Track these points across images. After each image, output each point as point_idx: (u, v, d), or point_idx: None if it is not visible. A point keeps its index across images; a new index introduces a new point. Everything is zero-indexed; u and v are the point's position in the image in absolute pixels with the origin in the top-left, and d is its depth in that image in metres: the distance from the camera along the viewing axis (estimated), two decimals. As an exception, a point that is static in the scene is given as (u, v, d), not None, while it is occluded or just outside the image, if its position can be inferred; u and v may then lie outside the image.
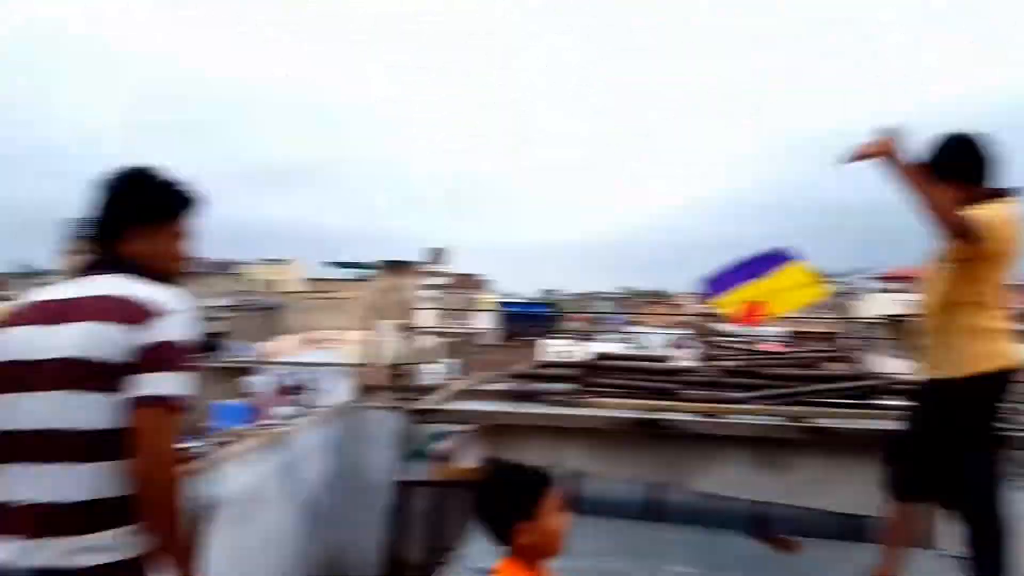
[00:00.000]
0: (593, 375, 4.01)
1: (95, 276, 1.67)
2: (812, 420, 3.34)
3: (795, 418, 3.35)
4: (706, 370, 4.05)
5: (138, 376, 1.52)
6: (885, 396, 3.74)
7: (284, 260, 52.08)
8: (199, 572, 1.60)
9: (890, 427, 3.23)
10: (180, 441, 1.57)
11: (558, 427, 3.51)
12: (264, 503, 3.58)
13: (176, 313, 1.60)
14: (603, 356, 4.40)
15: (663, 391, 3.68)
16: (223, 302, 34.65)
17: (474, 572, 2.83)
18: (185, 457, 1.63)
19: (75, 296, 1.62)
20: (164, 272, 1.75)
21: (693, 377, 3.91)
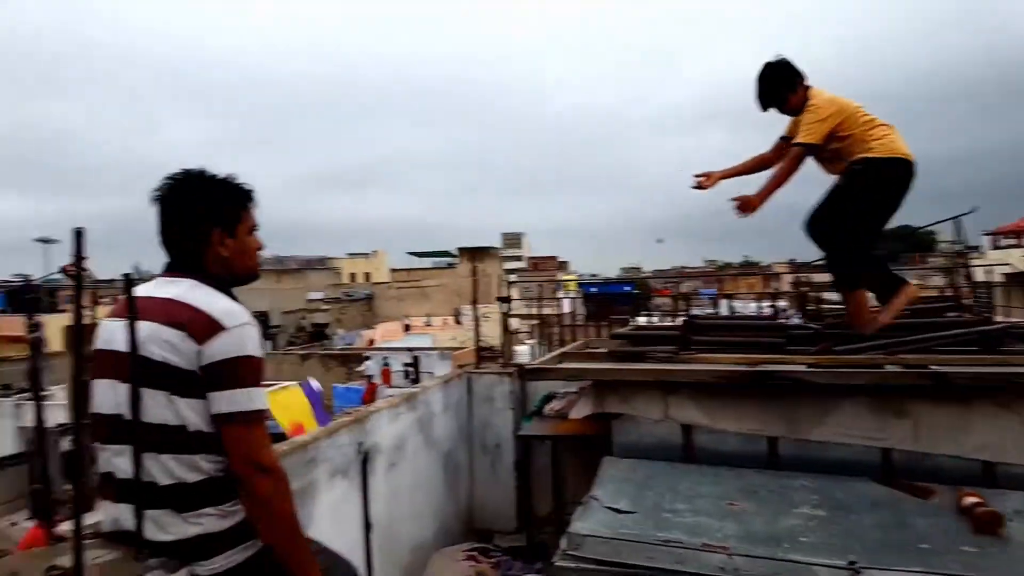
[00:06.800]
0: (694, 334, 4.19)
1: (172, 279, 1.73)
2: (931, 366, 3.35)
3: (914, 365, 3.39)
4: (813, 324, 4.16)
5: (215, 392, 1.58)
6: (1006, 343, 3.72)
7: (371, 253, 54.28)
8: (316, 570, 1.67)
9: (1013, 372, 3.27)
10: (269, 447, 1.64)
11: (665, 382, 3.72)
12: (408, 452, 4.00)
13: (241, 327, 1.63)
14: (702, 317, 4.55)
15: (770, 345, 3.82)
16: (323, 295, 36.60)
17: (608, 510, 3.09)
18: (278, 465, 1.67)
19: (150, 296, 1.68)
20: (245, 269, 1.81)
21: (800, 331, 4.03)
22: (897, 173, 3.47)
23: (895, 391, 3.34)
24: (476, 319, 5.49)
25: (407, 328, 28.53)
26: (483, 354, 5.62)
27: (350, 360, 20.35)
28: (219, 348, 1.57)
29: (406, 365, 17.79)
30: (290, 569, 1.64)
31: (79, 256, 1.40)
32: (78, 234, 1.43)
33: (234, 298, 1.74)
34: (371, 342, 25.59)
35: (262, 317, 30.35)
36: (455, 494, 4.66)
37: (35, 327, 1.36)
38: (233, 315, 1.63)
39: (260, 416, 1.62)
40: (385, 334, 27.24)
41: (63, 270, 1.37)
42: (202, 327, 1.58)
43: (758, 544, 2.73)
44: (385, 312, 34.81)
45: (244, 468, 1.58)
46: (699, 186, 3.69)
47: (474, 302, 5.35)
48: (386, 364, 18.34)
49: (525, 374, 3.96)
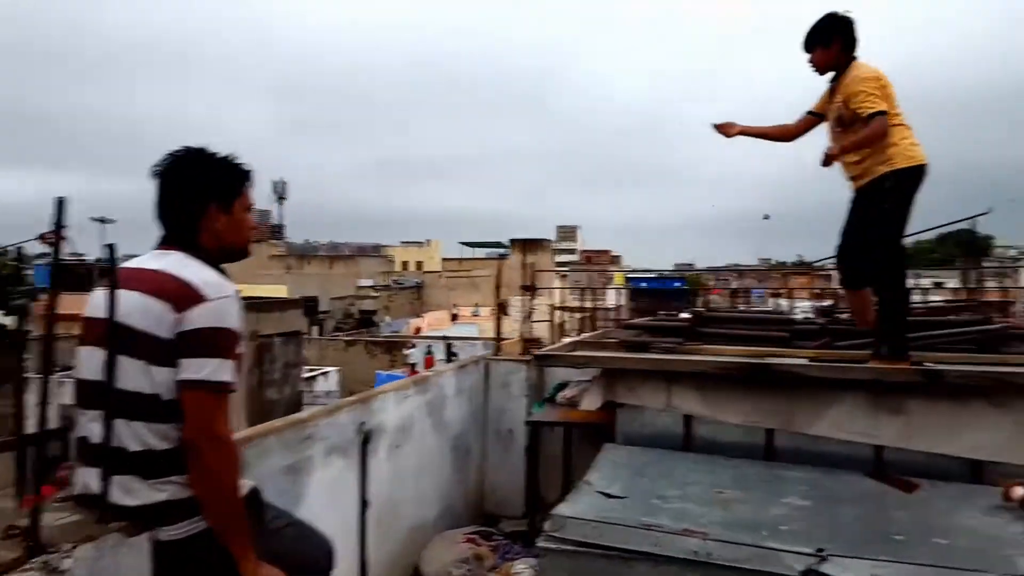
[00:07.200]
0: (702, 326, 4.23)
1: (164, 252, 1.76)
2: (926, 364, 3.36)
3: (912, 363, 3.37)
4: (818, 320, 4.16)
5: (185, 359, 1.61)
6: (1007, 343, 3.69)
7: (424, 242, 55.04)
8: (250, 548, 1.68)
9: (1009, 371, 3.24)
10: (227, 420, 1.65)
11: (670, 372, 3.77)
12: (415, 434, 4.14)
13: (222, 299, 1.66)
14: (711, 310, 4.59)
15: (773, 339, 3.85)
16: (373, 282, 37.32)
17: (599, 494, 3.18)
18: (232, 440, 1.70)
19: (140, 267, 1.73)
20: (237, 245, 1.86)
21: (804, 327, 4.04)
22: (919, 182, 3.41)
23: (891, 388, 3.34)
24: (499, 308, 5.63)
25: (455, 317, 28.80)
26: (529, 346, 5.73)
27: (395, 347, 20.69)
28: (197, 317, 1.61)
29: (450, 354, 18.10)
30: (228, 546, 1.66)
31: (59, 225, 1.47)
32: (59, 203, 1.48)
33: (223, 272, 1.78)
34: (418, 330, 25.81)
35: (311, 302, 31.01)
36: (464, 478, 4.80)
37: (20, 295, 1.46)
38: (216, 287, 1.67)
39: (225, 388, 1.64)
40: (432, 323, 27.50)
41: (41, 237, 1.47)
42: (184, 297, 1.63)
43: (739, 531, 2.78)
44: (435, 301, 35.22)
45: (198, 437, 1.61)
46: (720, 131, 3.74)
47: (496, 290, 5.48)
48: (429, 352, 18.60)
49: (538, 360, 4.09)
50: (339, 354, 20.57)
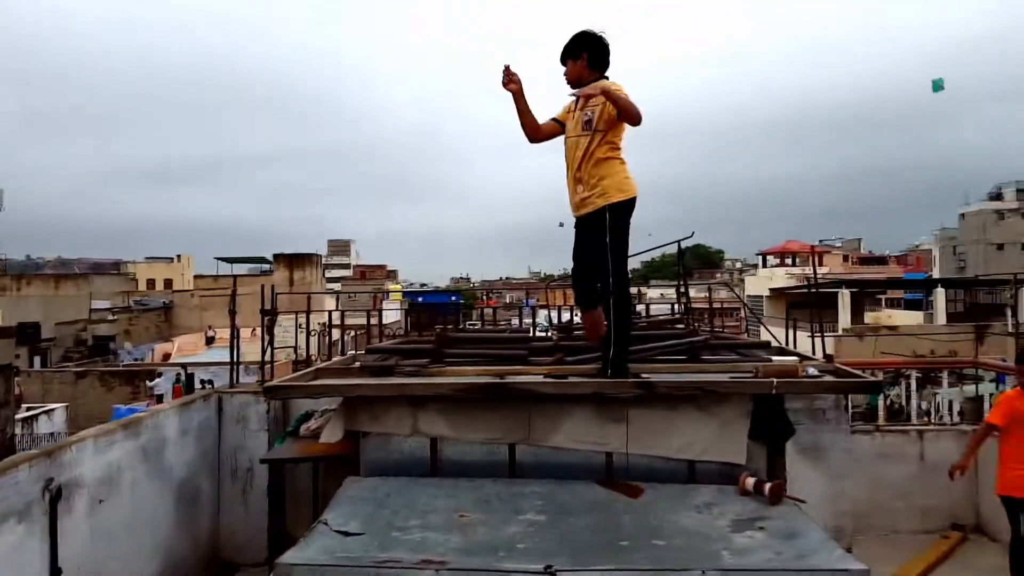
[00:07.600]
0: (447, 347, 4.23)
1: None
2: (643, 376, 3.67)
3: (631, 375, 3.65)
4: (552, 337, 4.35)
5: None
6: (714, 351, 4.14)
7: (174, 258, 50.29)
8: None
9: (708, 380, 3.63)
10: None
11: (414, 396, 3.71)
12: (124, 485, 3.62)
13: None
14: (459, 330, 4.63)
15: (512, 357, 3.94)
16: (110, 304, 33.28)
17: (337, 533, 2.99)
18: None
19: None
20: None
21: (540, 344, 4.20)
22: (631, 212, 3.67)
23: (616, 399, 3.57)
24: (233, 334, 5.19)
25: (210, 341, 26.71)
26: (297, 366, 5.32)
27: (138, 377, 18.67)
28: None
29: (204, 382, 16.71)
30: None
31: None
32: None
33: None
34: (166, 356, 23.73)
35: (31, 329, 26.95)
36: (192, 527, 4.32)
37: None
38: None
39: None
40: (183, 347, 25.42)
41: None
42: None
43: (477, 555, 2.76)
44: (187, 323, 32.49)
45: None
46: (506, 74, 3.62)
47: (231, 313, 5.04)
48: (179, 381, 16.92)
49: (269, 392, 3.76)
50: (67, 388, 18.13)
